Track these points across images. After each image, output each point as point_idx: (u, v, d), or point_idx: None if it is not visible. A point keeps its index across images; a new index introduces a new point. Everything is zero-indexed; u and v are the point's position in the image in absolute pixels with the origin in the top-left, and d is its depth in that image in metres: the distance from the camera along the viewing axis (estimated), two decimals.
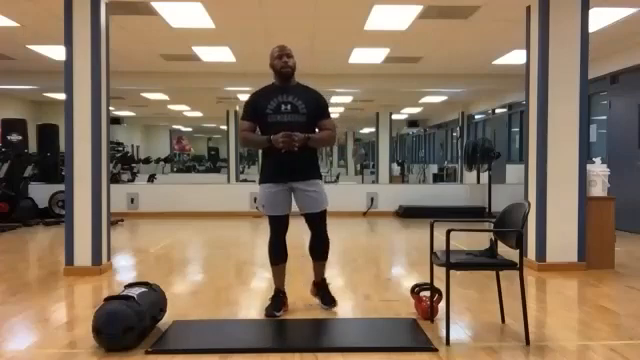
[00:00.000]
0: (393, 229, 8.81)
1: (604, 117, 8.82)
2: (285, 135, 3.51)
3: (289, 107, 3.65)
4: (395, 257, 6.70)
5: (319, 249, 3.87)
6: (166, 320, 3.50)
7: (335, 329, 3.61)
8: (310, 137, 3.63)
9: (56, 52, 7.84)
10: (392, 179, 15.61)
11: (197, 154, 25.79)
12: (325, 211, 3.81)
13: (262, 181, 3.77)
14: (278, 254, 3.83)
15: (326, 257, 3.90)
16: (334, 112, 15.53)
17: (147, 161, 20.55)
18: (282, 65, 3.67)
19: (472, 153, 10.30)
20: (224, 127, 16.69)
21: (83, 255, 5.02)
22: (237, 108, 15.34)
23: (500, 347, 3.15)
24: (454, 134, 17.12)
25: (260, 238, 8.08)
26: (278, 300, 3.79)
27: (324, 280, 3.97)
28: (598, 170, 5.38)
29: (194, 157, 25.57)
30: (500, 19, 6.44)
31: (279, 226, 3.79)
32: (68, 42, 4.98)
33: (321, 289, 3.95)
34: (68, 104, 5.02)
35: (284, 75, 3.70)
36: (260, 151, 3.90)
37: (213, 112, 16.68)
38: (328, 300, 3.89)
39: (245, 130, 3.77)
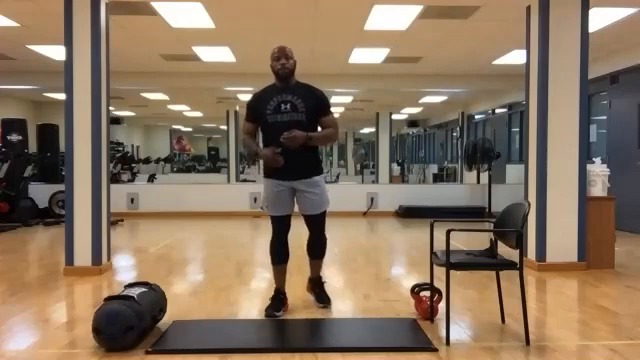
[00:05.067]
0: (393, 229, 8.81)
1: (604, 117, 8.82)
2: (285, 137, 3.55)
3: (288, 106, 3.68)
4: (395, 257, 6.69)
5: (316, 248, 3.95)
6: (166, 320, 3.50)
7: (335, 329, 3.60)
8: (311, 136, 3.65)
9: (56, 52, 7.84)
10: (392, 179, 15.62)
11: (197, 154, 25.79)
12: (324, 212, 3.85)
13: (266, 175, 3.81)
14: (279, 254, 3.85)
15: (323, 256, 3.99)
16: (334, 112, 15.51)
17: (147, 161, 20.58)
18: (279, 67, 3.71)
19: (472, 153, 10.32)
20: (224, 127, 16.69)
21: (83, 255, 5.02)
22: (237, 108, 15.34)
23: (500, 347, 3.15)
24: (454, 134, 17.12)
25: (260, 238, 8.09)
26: (278, 300, 3.79)
27: (320, 278, 4.05)
28: (598, 170, 5.37)
29: (194, 157, 25.58)
30: (500, 19, 6.44)
31: (281, 226, 3.82)
32: (68, 42, 4.98)
33: (317, 287, 4.03)
34: (68, 104, 5.02)
35: (281, 77, 3.74)
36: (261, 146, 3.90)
37: (213, 112, 16.67)
38: (323, 298, 3.96)
39: (246, 132, 3.88)
